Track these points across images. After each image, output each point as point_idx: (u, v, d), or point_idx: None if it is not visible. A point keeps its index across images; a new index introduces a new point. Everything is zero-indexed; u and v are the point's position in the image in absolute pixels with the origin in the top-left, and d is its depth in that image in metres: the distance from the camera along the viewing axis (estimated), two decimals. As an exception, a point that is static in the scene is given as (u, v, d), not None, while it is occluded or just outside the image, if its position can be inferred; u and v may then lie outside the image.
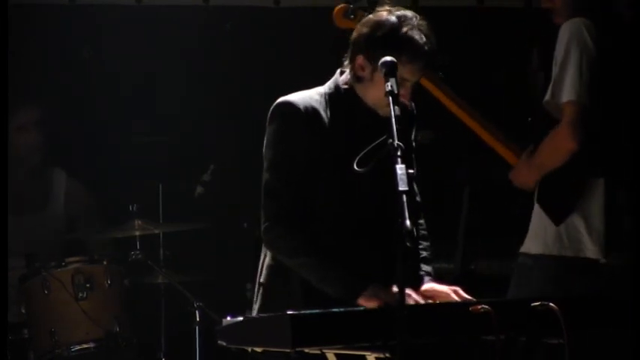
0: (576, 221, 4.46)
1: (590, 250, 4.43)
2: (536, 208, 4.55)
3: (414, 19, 3.76)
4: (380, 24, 3.75)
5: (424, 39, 3.72)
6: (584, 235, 4.45)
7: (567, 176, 4.46)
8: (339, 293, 3.66)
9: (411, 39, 3.71)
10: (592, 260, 4.43)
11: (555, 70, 4.45)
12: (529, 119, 4.69)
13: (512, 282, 4.52)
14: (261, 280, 3.89)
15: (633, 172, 4.04)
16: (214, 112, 6.67)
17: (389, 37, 3.72)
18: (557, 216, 4.48)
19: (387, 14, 3.76)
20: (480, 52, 6.72)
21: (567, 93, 4.40)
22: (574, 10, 4.52)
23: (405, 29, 3.71)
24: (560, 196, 4.50)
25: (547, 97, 4.46)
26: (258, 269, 3.92)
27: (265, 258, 3.89)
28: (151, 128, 6.53)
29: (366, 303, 3.61)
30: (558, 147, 4.43)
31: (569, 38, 4.43)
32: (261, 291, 3.89)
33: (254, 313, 3.87)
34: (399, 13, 3.77)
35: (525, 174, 4.59)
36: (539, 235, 4.50)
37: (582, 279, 4.39)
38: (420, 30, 3.73)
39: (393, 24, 3.73)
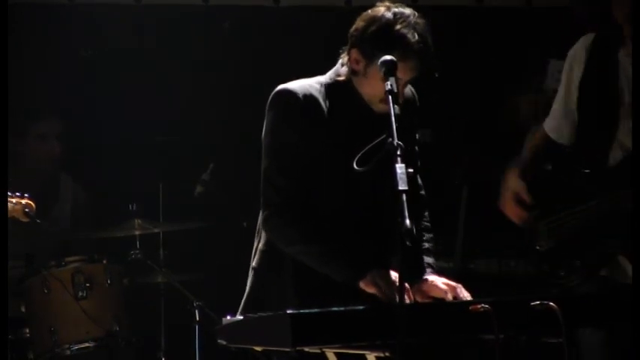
0: None
1: None
2: None
3: (411, 17, 3.70)
4: (375, 19, 3.72)
5: (417, 37, 3.66)
6: None
7: None
8: (341, 280, 3.68)
9: (403, 37, 3.66)
10: None
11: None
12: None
13: None
14: (254, 264, 3.91)
15: (633, 171, 3.99)
16: (214, 112, 6.67)
17: (381, 33, 3.68)
18: None
19: (384, 10, 3.73)
20: (479, 52, 6.72)
21: None
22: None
23: (398, 26, 3.67)
24: None
25: None
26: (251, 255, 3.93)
27: (259, 243, 3.90)
28: (151, 128, 6.53)
29: (366, 288, 3.64)
30: None
31: None
32: (252, 275, 3.90)
33: (244, 297, 3.88)
34: (396, 9, 3.72)
35: None
36: None
37: None
38: (414, 29, 3.67)
39: (387, 20, 3.69)
